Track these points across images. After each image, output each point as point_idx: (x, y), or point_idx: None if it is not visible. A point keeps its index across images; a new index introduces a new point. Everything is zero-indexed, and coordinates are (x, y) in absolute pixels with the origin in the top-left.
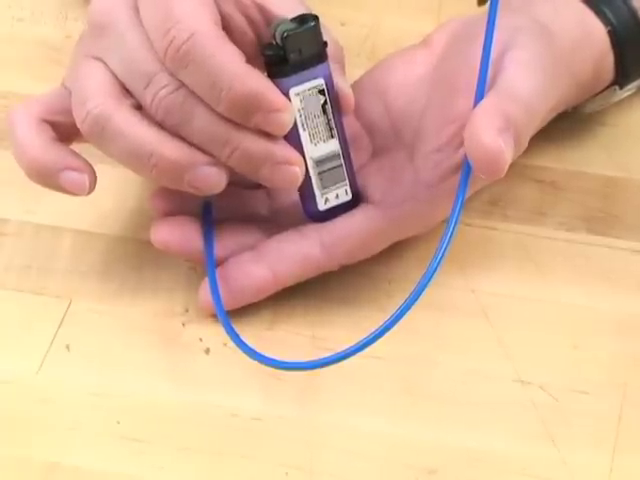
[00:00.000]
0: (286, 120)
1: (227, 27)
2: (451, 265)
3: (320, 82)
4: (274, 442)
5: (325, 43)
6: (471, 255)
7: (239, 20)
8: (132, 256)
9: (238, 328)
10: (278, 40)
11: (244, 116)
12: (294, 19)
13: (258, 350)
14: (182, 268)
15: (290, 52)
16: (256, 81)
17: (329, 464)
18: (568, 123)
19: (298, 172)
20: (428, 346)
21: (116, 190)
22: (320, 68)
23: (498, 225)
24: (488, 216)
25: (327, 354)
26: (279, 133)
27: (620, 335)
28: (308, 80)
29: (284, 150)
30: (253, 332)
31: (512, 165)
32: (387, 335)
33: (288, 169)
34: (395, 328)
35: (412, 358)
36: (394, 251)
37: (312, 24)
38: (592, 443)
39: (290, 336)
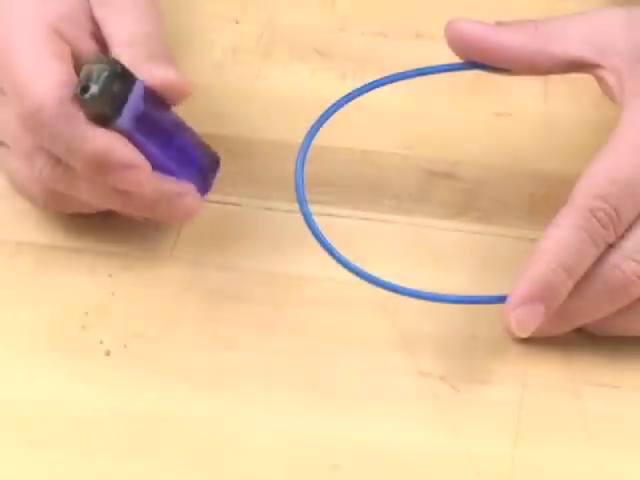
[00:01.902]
0: (140, 177)
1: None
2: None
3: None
4: (177, 442)
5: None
6: (366, 248)
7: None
8: (30, 260)
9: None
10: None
11: (102, 177)
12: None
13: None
14: (81, 271)
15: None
16: (102, 141)
17: (232, 462)
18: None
19: (194, 202)
20: (329, 341)
21: (15, 194)
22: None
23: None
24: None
25: (230, 352)
26: (138, 190)
27: None
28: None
29: (174, 184)
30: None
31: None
32: (286, 332)
33: (184, 201)
34: (295, 325)
35: (313, 354)
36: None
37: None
38: (494, 433)
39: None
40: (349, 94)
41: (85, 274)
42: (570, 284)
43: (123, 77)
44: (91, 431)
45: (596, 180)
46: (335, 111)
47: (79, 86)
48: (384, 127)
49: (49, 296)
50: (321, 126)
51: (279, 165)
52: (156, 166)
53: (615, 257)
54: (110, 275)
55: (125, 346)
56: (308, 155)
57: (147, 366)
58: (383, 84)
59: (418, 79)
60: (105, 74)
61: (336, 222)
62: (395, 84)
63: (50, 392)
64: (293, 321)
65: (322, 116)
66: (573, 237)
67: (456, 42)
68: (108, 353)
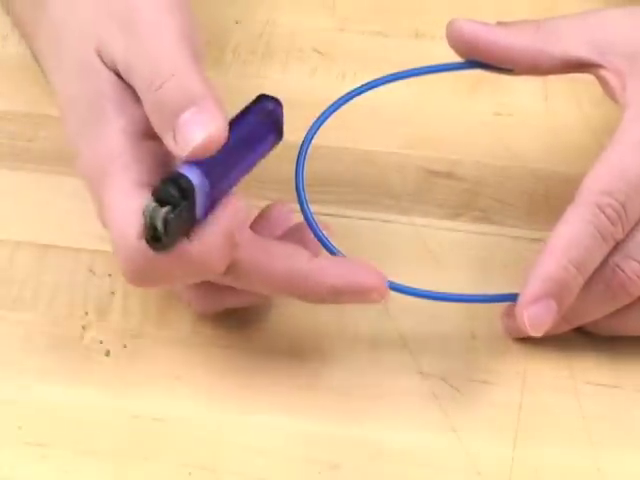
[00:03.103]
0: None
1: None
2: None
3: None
4: (176, 442)
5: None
6: (366, 248)
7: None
8: (30, 261)
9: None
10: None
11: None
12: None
13: None
14: (81, 271)
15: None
16: (210, 245)
17: (232, 462)
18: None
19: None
20: (329, 340)
21: (14, 194)
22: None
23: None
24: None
25: (230, 352)
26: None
27: None
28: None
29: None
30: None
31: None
32: (286, 332)
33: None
34: (295, 325)
35: (313, 353)
36: None
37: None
38: (494, 433)
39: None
40: (348, 93)
41: (85, 274)
42: (581, 281)
43: (183, 196)
44: (91, 431)
45: (602, 178)
46: (335, 110)
47: (147, 235)
48: (384, 127)
49: (49, 296)
50: (321, 125)
51: (279, 165)
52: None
53: (616, 256)
54: (110, 275)
55: (125, 346)
56: (308, 155)
57: (147, 366)
58: (383, 83)
59: (418, 78)
60: (164, 215)
61: (336, 222)
62: (395, 84)
63: (50, 392)
64: (293, 321)
65: (322, 115)
66: (583, 233)
67: (457, 41)
68: (108, 353)
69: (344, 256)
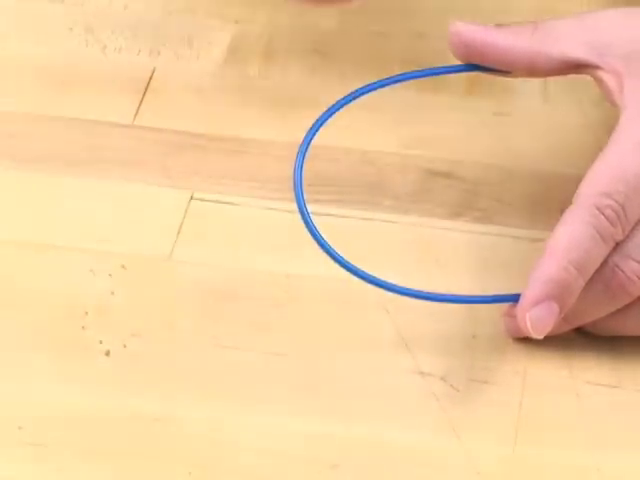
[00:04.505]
0: None
1: None
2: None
3: None
4: (176, 442)
5: None
6: (366, 248)
7: None
8: (30, 260)
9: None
10: None
11: None
12: None
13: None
14: (81, 271)
15: None
16: None
17: (231, 462)
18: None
19: None
20: (329, 341)
21: (13, 193)
22: None
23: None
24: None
25: (230, 352)
26: None
27: None
28: None
29: None
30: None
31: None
32: (286, 332)
33: None
34: (295, 325)
35: (313, 353)
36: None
37: None
38: (494, 433)
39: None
40: (348, 95)
41: (85, 274)
42: (582, 282)
43: None
44: (91, 431)
45: (600, 179)
46: (333, 113)
47: None
48: (384, 127)
49: (49, 296)
50: (321, 126)
51: (279, 165)
52: None
53: (615, 257)
54: (110, 275)
55: (125, 346)
56: (308, 155)
57: (147, 366)
58: (383, 86)
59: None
60: None
61: (336, 222)
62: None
63: (50, 392)
64: (293, 321)
65: (321, 117)
66: (583, 234)
67: (455, 44)
68: (108, 353)
69: (341, 256)
